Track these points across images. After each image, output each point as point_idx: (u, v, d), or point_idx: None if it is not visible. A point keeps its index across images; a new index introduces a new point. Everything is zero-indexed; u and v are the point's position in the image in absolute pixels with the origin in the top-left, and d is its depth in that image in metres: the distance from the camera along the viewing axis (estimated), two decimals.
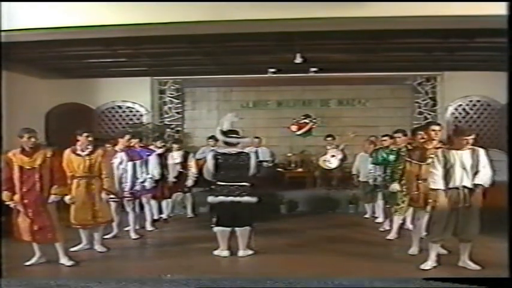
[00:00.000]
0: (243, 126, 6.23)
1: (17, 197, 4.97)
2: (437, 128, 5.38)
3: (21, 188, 4.96)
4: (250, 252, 5.51)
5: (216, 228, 5.50)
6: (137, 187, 6.57)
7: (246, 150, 5.66)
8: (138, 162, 6.57)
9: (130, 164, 6.49)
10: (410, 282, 4.39)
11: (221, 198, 5.45)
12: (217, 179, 5.52)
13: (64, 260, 5.13)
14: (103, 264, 5.34)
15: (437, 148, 5.13)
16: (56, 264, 5.10)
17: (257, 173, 5.61)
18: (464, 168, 4.61)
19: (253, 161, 5.51)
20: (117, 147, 6.63)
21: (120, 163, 6.43)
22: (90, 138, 5.57)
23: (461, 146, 4.66)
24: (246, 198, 5.42)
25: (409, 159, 5.54)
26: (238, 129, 5.72)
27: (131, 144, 6.90)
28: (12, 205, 5.00)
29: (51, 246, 5.15)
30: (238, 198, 5.42)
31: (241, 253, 5.47)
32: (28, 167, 4.96)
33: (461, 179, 4.62)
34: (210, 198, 5.56)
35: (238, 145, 5.61)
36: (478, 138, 4.82)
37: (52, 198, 5.01)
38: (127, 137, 6.72)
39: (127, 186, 6.49)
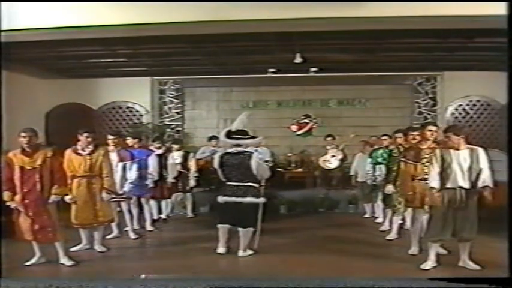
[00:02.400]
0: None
1: (17, 198, 4.97)
2: (433, 128, 5.40)
3: (21, 188, 4.96)
4: (250, 252, 5.51)
5: (218, 225, 5.58)
6: (125, 188, 6.43)
7: (248, 149, 5.62)
8: (128, 163, 6.45)
9: (120, 164, 6.40)
10: (411, 282, 4.39)
11: (226, 198, 5.51)
12: (225, 179, 5.59)
13: (64, 260, 5.14)
14: (100, 264, 5.34)
15: (432, 148, 5.14)
16: (56, 264, 5.11)
17: (271, 175, 5.60)
18: (461, 169, 4.61)
19: (253, 161, 5.46)
20: (109, 147, 6.58)
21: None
22: (89, 139, 5.57)
23: (446, 143, 4.67)
24: (249, 199, 5.43)
25: (403, 160, 5.55)
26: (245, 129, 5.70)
27: (130, 145, 6.89)
28: (12, 206, 5.00)
29: (51, 246, 5.16)
30: (240, 199, 5.43)
31: (240, 253, 5.48)
32: (28, 167, 4.96)
33: (458, 179, 4.61)
34: (219, 198, 5.60)
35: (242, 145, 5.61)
36: (468, 136, 4.81)
37: (52, 198, 5.02)
38: (109, 136, 6.51)
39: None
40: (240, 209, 5.43)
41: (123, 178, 6.40)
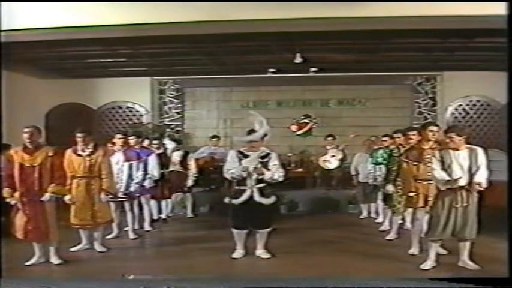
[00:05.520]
0: (242, 126, 6.23)
1: (17, 195, 4.97)
2: (435, 128, 5.38)
3: (20, 185, 4.95)
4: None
5: None
6: (132, 188, 6.46)
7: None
8: (134, 163, 6.48)
9: (126, 164, 6.41)
10: (411, 282, 4.39)
11: None
12: None
13: (53, 259, 5.14)
14: (97, 264, 5.34)
15: (434, 148, 5.14)
16: (55, 264, 5.11)
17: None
18: (461, 169, 4.61)
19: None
20: (114, 147, 6.59)
21: (117, 163, 6.35)
22: (83, 139, 5.55)
23: (447, 144, 4.68)
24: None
25: (406, 160, 5.54)
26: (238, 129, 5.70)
27: (131, 144, 6.89)
28: (12, 202, 5.00)
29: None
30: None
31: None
32: (28, 165, 4.96)
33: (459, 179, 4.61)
34: None
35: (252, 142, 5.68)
36: (469, 137, 4.81)
37: (47, 196, 4.96)
38: (118, 136, 6.59)
39: (121, 186, 6.38)
40: None
41: (129, 178, 6.40)
